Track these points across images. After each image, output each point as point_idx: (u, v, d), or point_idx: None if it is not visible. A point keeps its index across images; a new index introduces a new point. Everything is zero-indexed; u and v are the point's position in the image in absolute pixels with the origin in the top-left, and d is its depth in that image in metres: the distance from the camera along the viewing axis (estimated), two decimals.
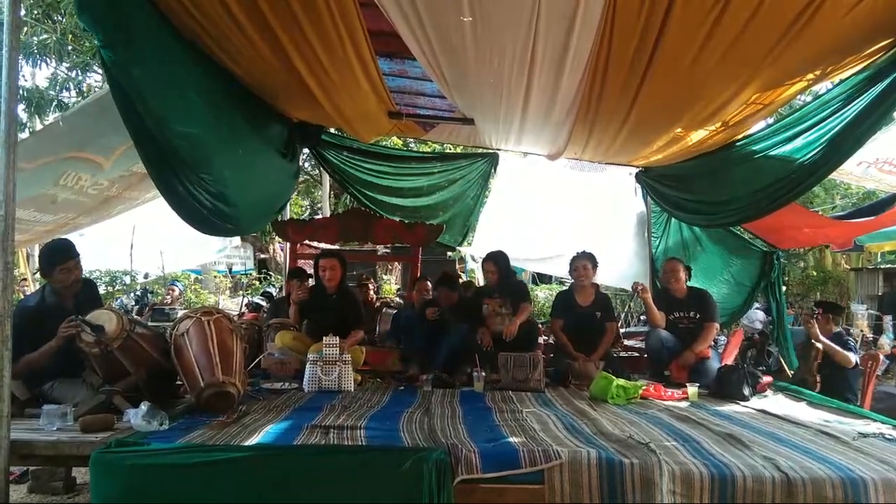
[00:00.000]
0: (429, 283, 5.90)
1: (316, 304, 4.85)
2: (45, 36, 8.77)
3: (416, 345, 5.13)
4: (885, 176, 5.15)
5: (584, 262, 5.16)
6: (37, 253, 11.67)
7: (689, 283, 5.11)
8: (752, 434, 3.09)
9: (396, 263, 10.11)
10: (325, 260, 4.85)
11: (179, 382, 3.58)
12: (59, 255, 3.58)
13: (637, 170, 6.50)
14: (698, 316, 4.89)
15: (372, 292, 7.38)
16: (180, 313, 4.82)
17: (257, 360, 4.54)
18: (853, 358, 4.65)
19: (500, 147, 6.43)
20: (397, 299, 7.96)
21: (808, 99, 4.40)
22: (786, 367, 6.09)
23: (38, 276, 10.20)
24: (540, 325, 5.79)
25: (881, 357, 5.83)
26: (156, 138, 3.28)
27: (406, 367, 4.91)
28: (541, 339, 5.49)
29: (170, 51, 3.30)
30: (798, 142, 3.99)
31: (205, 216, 3.96)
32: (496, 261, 5.16)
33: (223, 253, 12.00)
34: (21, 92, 8.23)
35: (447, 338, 4.85)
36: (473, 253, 8.68)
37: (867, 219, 5.58)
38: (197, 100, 3.57)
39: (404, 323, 5.50)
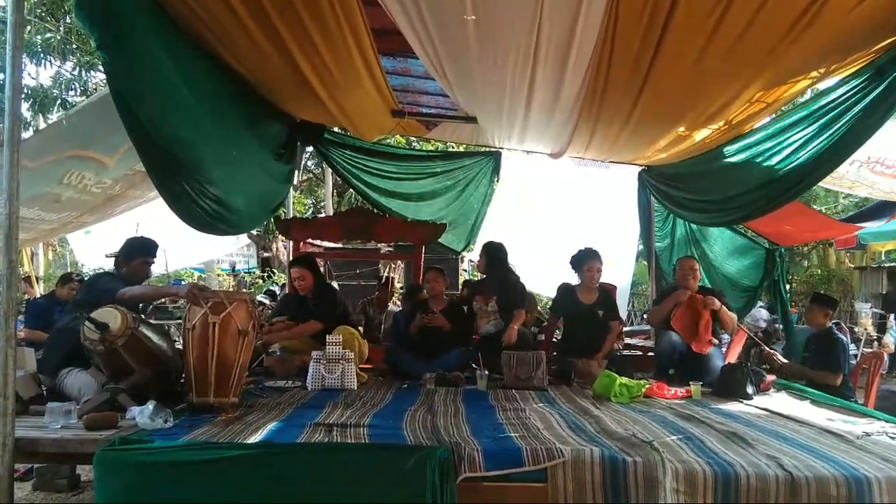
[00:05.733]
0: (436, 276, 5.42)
1: (301, 310, 4.90)
2: (48, 35, 8.80)
3: (404, 354, 4.97)
4: (877, 178, 5.13)
5: (597, 265, 4.97)
6: (41, 252, 11.72)
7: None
8: (755, 432, 3.08)
9: (400, 263, 10.06)
10: (294, 270, 4.92)
11: (183, 381, 3.59)
12: (147, 249, 4.01)
13: (640, 168, 6.49)
14: None
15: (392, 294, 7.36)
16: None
17: (260, 358, 4.55)
18: (837, 378, 4.55)
19: (502, 146, 6.43)
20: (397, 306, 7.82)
21: (810, 97, 4.38)
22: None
23: (40, 280, 10.21)
24: (543, 322, 5.76)
25: (885, 356, 5.81)
26: (153, 139, 3.25)
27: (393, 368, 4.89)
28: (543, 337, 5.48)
29: (168, 51, 3.26)
30: (799, 140, 3.98)
31: (201, 215, 3.95)
32: (487, 251, 5.24)
33: (229, 251, 11.98)
34: (25, 90, 8.27)
35: (441, 358, 4.75)
36: (475, 258, 8.63)
37: (871, 223, 5.57)
38: (193, 100, 3.54)
39: (397, 325, 5.40)
